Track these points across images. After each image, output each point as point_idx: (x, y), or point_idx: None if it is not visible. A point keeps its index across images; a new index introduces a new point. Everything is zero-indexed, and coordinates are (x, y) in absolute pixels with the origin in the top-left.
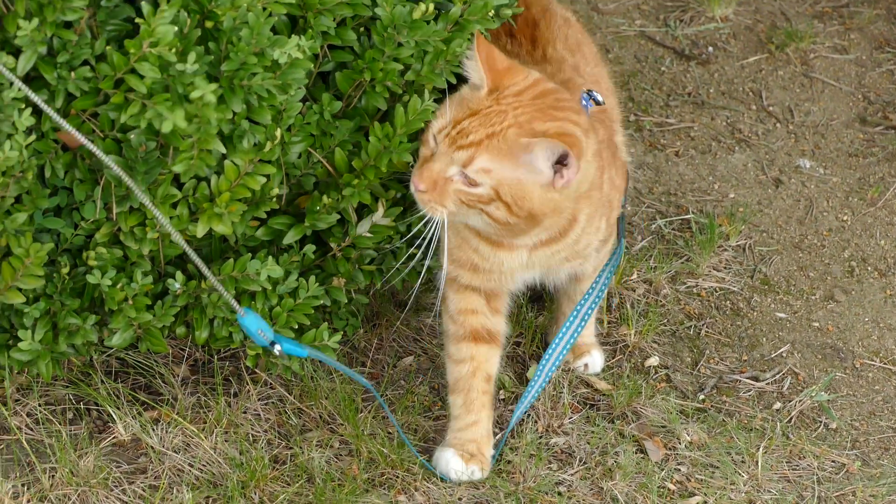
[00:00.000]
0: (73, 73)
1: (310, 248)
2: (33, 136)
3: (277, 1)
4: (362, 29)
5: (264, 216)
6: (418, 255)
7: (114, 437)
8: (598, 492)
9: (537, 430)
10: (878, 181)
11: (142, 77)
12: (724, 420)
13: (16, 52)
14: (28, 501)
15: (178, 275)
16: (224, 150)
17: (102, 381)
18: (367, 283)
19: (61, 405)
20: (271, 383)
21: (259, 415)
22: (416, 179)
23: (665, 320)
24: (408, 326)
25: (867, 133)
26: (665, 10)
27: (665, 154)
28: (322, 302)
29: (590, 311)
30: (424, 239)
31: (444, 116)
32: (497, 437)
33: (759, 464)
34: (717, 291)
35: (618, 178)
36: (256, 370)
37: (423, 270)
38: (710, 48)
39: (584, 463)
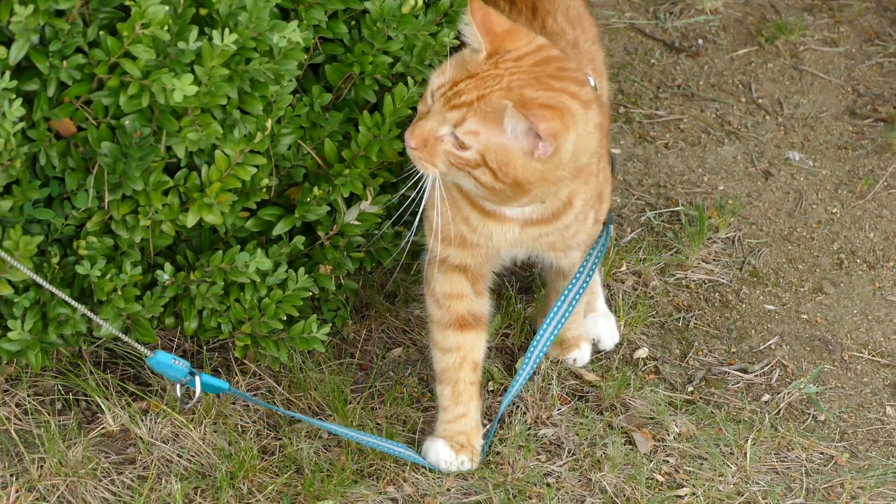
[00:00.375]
0: (65, 62)
1: (299, 240)
2: (22, 124)
3: None
4: (353, 22)
5: (254, 207)
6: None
7: (102, 428)
8: (587, 483)
9: (526, 421)
10: (868, 173)
11: (135, 59)
12: (712, 412)
13: (6, 42)
14: (16, 492)
15: (167, 266)
16: (221, 131)
17: (91, 372)
18: (355, 268)
19: (50, 395)
20: (260, 374)
21: (248, 406)
22: (408, 136)
23: (654, 312)
24: (397, 317)
25: (856, 125)
26: (655, 3)
27: (655, 146)
28: (311, 293)
29: (577, 298)
30: (415, 208)
31: (444, 75)
32: (486, 428)
33: (748, 455)
34: (706, 283)
35: (607, 170)
36: (245, 361)
37: (408, 244)
38: (700, 40)
39: (573, 454)
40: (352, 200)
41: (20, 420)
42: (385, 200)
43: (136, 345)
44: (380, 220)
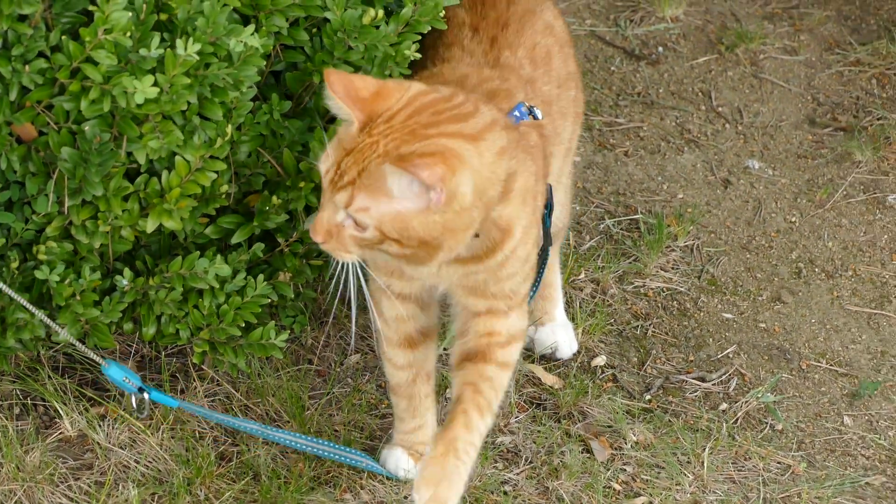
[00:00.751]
0: (27, 67)
1: (259, 247)
2: None
3: None
4: (315, 29)
5: (214, 213)
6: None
7: (60, 433)
8: (544, 491)
9: None
10: (827, 182)
11: (97, 64)
12: (670, 420)
13: None
14: None
15: (126, 271)
16: (182, 137)
17: (49, 377)
18: (315, 275)
19: (8, 400)
20: (218, 380)
21: None
22: (313, 231)
23: (612, 320)
24: (355, 324)
25: (816, 134)
26: (615, 10)
27: (614, 154)
28: (270, 300)
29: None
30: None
31: (329, 159)
32: None
33: (705, 464)
34: (664, 291)
35: (541, 198)
36: (203, 367)
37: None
38: (660, 48)
39: (530, 462)
40: (311, 208)
41: None
42: None
43: (91, 353)
44: None
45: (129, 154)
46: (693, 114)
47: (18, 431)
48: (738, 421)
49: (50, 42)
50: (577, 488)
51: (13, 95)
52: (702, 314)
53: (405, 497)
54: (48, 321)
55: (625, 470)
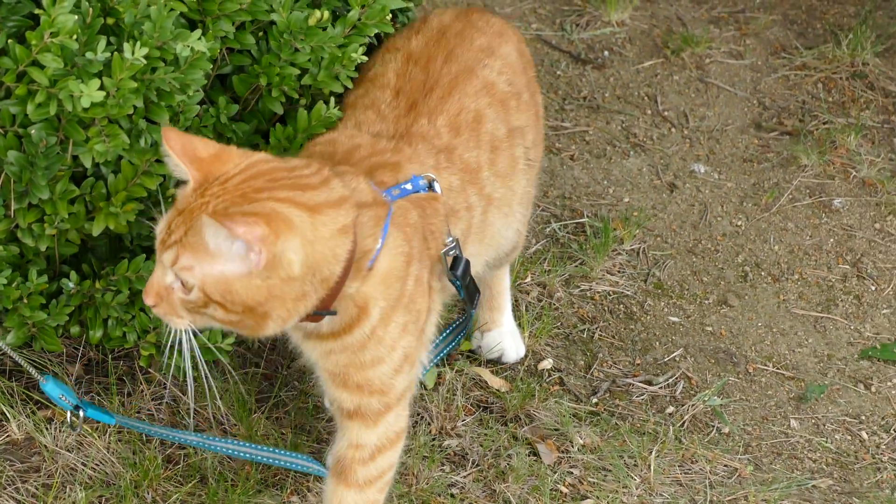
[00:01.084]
0: None
1: None
2: None
3: None
4: (261, 33)
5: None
6: None
7: (7, 436)
8: (491, 494)
9: (430, 432)
10: (773, 186)
11: (43, 68)
12: (616, 423)
13: None
14: None
15: (73, 274)
16: (128, 141)
17: None
18: None
19: None
20: (165, 383)
21: (153, 415)
22: (145, 294)
23: (559, 323)
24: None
25: (762, 139)
26: (561, 14)
27: (560, 158)
28: None
29: None
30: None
31: (165, 219)
32: None
33: (652, 467)
34: (610, 295)
35: (426, 289)
36: (150, 370)
37: None
38: (606, 52)
39: (477, 465)
40: None
41: None
42: None
43: (30, 369)
44: None
45: (76, 157)
46: (639, 118)
47: None
48: (685, 424)
49: None
50: (525, 491)
51: None
52: (648, 318)
53: None
54: None
55: (572, 473)
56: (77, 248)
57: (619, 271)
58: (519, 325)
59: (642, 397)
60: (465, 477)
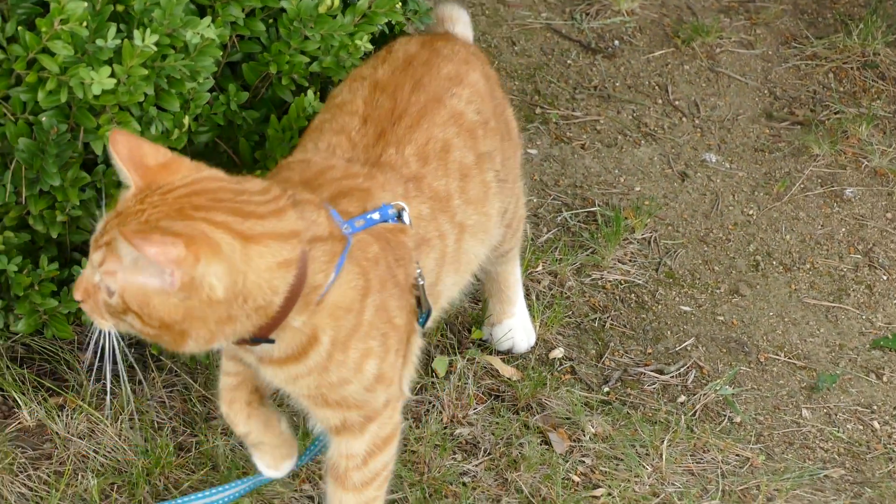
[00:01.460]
0: None
1: None
2: None
3: None
4: (271, 20)
5: None
6: None
7: (19, 423)
8: (503, 483)
9: (442, 420)
10: (784, 176)
11: (53, 55)
12: (628, 413)
13: None
14: None
15: (84, 261)
16: (139, 128)
17: (8, 367)
18: None
19: None
20: (176, 371)
21: (164, 402)
22: (74, 288)
23: (570, 312)
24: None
25: (773, 128)
26: (571, 3)
27: (571, 147)
28: None
29: None
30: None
31: (103, 219)
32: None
33: (664, 457)
34: (622, 284)
35: (397, 314)
36: (162, 357)
37: None
38: (617, 42)
39: (489, 454)
40: None
41: None
42: None
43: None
44: None
45: (86, 145)
46: (650, 107)
47: None
48: (697, 413)
49: (6, 33)
50: (536, 480)
51: None
52: (660, 307)
53: None
54: None
55: (583, 462)
56: (88, 235)
57: (630, 260)
58: (530, 313)
59: (654, 386)
60: (476, 465)
